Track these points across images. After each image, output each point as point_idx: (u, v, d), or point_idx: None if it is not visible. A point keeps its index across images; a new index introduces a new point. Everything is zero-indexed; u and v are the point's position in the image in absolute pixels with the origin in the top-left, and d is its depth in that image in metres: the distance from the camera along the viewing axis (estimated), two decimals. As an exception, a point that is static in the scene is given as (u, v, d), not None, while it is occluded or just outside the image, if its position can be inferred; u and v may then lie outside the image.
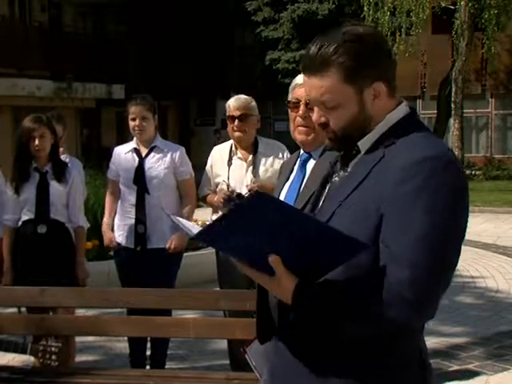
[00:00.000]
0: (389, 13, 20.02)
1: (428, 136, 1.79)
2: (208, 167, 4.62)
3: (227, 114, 4.45)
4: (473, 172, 22.04)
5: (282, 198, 2.93)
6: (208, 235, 1.70)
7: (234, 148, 4.48)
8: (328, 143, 1.88)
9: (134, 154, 4.81)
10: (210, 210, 4.61)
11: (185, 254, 4.95)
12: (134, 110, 4.71)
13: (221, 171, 4.47)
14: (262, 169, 4.39)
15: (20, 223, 4.52)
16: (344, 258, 1.68)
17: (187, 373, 4.45)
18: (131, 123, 4.74)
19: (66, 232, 4.54)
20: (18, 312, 4.52)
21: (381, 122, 1.81)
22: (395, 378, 1.76)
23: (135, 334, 4.14)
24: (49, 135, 4.46)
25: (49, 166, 4.50)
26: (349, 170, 1.85)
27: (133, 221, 4.75)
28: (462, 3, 19.51)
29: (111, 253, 5.08)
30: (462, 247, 1.76)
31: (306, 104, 2.91)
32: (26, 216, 4.49)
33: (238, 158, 4.45)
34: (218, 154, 4.57)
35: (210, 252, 5.95)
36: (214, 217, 4.44)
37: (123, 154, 4.86)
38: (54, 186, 4.48)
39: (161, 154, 4.80)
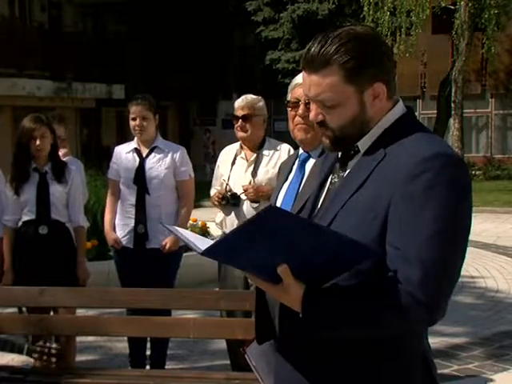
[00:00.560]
0: (389, 13, 20.00)
1: (429, 134, 1.79)
2: (216, 166, 4.64)
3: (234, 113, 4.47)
4: (473, 172, 22.03)
5: (280, 198, 2.93)
6: (217, 252, 1.69)
7: (239, 148, 4.48)
8: (324, 143, 1.86)
9: (135, 154, 4.82)
10: (209, 210, 4.62)
11: (185, 254, 4.95)
12: (134, 109, 4.72)
13: (225, 170, 4.48)
14: (262, 169, 4.36)
15: (20, 223, 4.52)
16: (353, 263, 1.67)
17: (187, 373, 4.46)
18: (132, 123, 4.75)
19: (67, 232, 4.55)
20: (19, 312, 4.53)
21: (379, 122, 1.80)
22: (400, 381, 1.75)
23: (135, 334, 4.14)
24: (49, 135, 4.47)
25: (48, 166, 4.50)
26: (348, 170, 1.84)
27: (133, 221, 4.76)
28: (462, 3, 19.50)
29: (111, 253, 5.08)
30: (463, 247, 1.77)
31: (306, 104, 2.91)
32: (26, 216, 4.49)
33: (241, 157, 4.45)
34: (226, 154, 4.58)
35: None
36: (219, 215, 4.44)
37: (124, 153, 4.86)
38: (54, 187, 4.49)
39: (161, 155, 4.80)
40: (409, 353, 1.75)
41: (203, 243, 1.82)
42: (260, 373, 2.05)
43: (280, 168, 3.13)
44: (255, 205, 4.25)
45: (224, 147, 4.70)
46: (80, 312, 4.84)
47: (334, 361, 1.75)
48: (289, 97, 3.00)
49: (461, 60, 19.84)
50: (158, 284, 4.38)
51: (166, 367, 4.83)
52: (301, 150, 3.00)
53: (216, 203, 4.38)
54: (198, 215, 8.23)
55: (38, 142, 4.39)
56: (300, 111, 2.94)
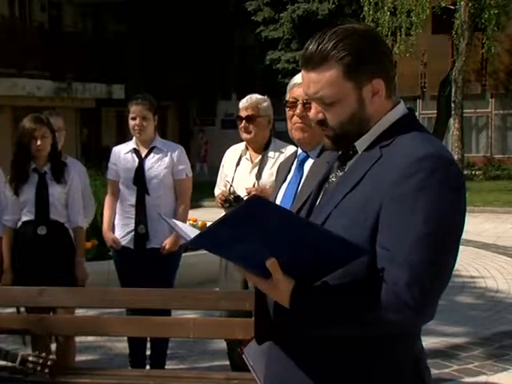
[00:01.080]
0: (389, 13, 20.00)
1: (426, 136, 1.78)
2: (221, 167, 4.56)
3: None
4: (473, 172, 22.04)
5: (279, 198, 2.93)
6: (204, 241, 1.68)
7: (245, 148, 4.39)
8: (325, 142, 1.86)
9: (134, 155, 4.82)
10: (209, 210, 4.61)
11: (185, 254, 4.95)
12: (134, 109, 4.72)
13: (229, 171, 4.40)
14: (267, 172, 4.25)
15: (19, 224, 4.52)
16: (343, 262, 1.66)
17: (187, 373, 4.46)
18: (131, 122, 4.75)
19: (66, 233, 4.54)
20: (17, 312, 4.52)
21: (378, 122, 1.80)
22: (391, 382, 1.75)
23: (135, 334, 4.14)
24: (49, 135, 4.46)
25: (47, 166, 4.50)
26: (346, 169, 1.84)
27: (133, 221, 4.75)
28: (462, 3, 19.50)
29: (111, 253, 5.08)
30: (462, 247, 1.76)
31: (304, 103, 2.91)
32: (25, 217, 4.49)
33: (246, 158, 4.35)
34: (231, 154, 4.50)
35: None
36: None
37: (122, 153, 4.86)
38: (54, 187, 4.48)
39: (160, 155, 4.80)
40: (401, 354, 1.75)
41: (194, 233, 1.84)
42: (258, 373, 2.05)
43: (279, 168, 3.13)
44: None
45: (222, 147, 4.65)
46: (80, 312, 4.84)
47: (324, 359, 1.75)
48: (287, 97, 3.00)
49: (461, 60, 19.83)
50: (157, 284, 4.38)
51: (166, 367, 4.83)
52: (299, 150, 3.00)
53: (219, 205, 4.31)
54: (198, 215, 8.23)
55: (38, 142, 4.39)
56: (298, 111, 2.94)
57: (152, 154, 4.80)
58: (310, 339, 1.75)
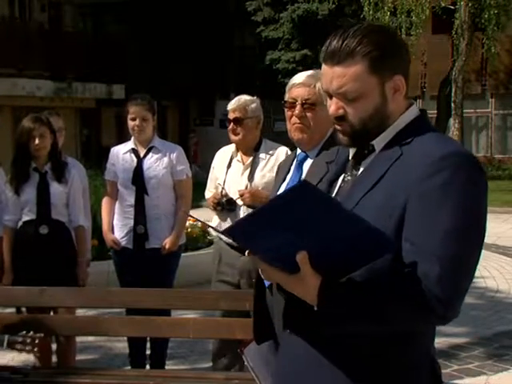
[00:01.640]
0: (389, 13, 20.00)
1: (443, 135, 1.82)
2: (211, 168, 4.51)
3: None
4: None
5: (278, 198, 2.93)
6: (238, 230, 1.66)
7: (235, 150, 4.34)
8: (341, 138, 1.85)
9: (132, 155, 4.82)
10: (209, 210, 4.59)
11: (185, 254, 4.95)
12: (134, 109, 4.72)
13: (220, 173, 4.34)
14: (259, 173, 4.20)
15: (20, 224, 4.52)
16: (374, 256, 1.65)
17: (187, 373, 4.46)
18: (131, 123, 4.75)
19: (67, 232, 4.55)
20: (18, 312, 4.52)
21: (395, 122, 1.81)
22: (409, 379, 1.74)
23: (135, 334, 4.14)
24: (48, 135, 4.47)
25: (48, 166, 4.50)
26: (361, 169, 1.84)
27: (132, 221, 4.75)
28: (462, 3, 19.49)
29: (111, 253, 5.09)
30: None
31: (303, 104, 2.92)
32: (27, 217, 4.49)
33: (237, 160, 4.30)
34: (221, 156, 4.45)
35: (209, 252, 5.95)
36: (216, 218, 4.35)
37: (121, 154, 4.86)
38: (54, 187, 4.49)
39: (159, 155, 4.80)
40: (419, 352, 1.75)
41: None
42: (257, 374, 2.05)
43: (278, 168, 3.13)
44: (251, 210, 4.12)
45: (221, 147, 4.60)
46: (80, 312, 4.84)
47: (342, 357, 1.73)
48: (286, 97, 3.00)
49: (461, 60, 19.83)
50: (157, 284, 4.38)
51: (166, 367, 4.84)
52: (298, 151, 3.01)
53: (211, 208, 4.27)
54: (197, 215, 8.20)
55: (37, 141, 4.39)
56: (297, 111, 2.94)
57: (150, 154, 4.80)
58: (328, 337, 1.73)
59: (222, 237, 1.76)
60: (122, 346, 5.26)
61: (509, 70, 25.08)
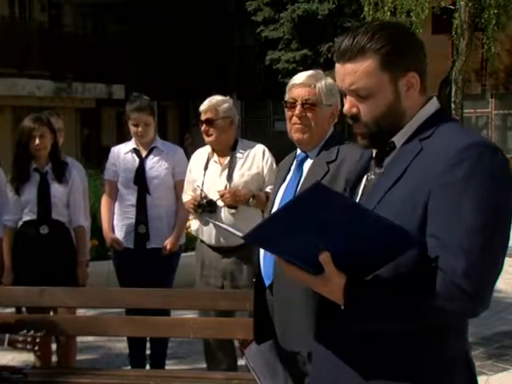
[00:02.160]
0: (389, 13, 19.98)
1: (463, 127, 1.80)
2: (188, 170, 4.44)
3: None
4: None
5: (279, 198, 2.94)
6: (259, 234, 1.65)
7: (211, 151, 4.27)
8: (360, 142, 1.85)
9: (134, 155, 4.82)
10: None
11: (185, 254, 4.95)
12: (135, 116, 4.71)
13: (197, 175, 4.29)
14: (237, 173, 4.15)
15: (21, 224, 4.52)
16: (397, 253, 1.64)
17: (187, 373, 4.46)
18: (133, 128, 4.75)
19: (68, 232, 4.55)
20: (18, 312, 4.52)
21: (415, 115, 1.80)
22: (443, 379, 1.73)
23: (135, 334, 4.14)
24: (49, 135, 4.47)
25: (49, 166, 4.50)
26: (384, 166, 1.83)
27: (132, 221, 4.76)
28: (462, 3, 19.48)
29: (110, 253, 5.08)
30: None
31: (303, 104, 2.92)
32: (27, 217, 4.49)
33: (214, 161, 4.24)
34: (197, 158, 4.39)
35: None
36: (195, 223, 4.31)
37: (122, 154, 4.86)
38: (55, 187, 4.49)
39: (161, 155, 4.81)
40: (453, 348, 1.75)
41: (240, 230, 1.83)
42: (258, 374, 2.05)
43: (278, 168, 3.13)
44: (233, 210, 4.06)
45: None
46: (80, 312, 4.84)
47: (376, 355, 1.72)
48: (286, 97, 3.00)
49: (461, 60, 19.83)
50: (156, 284, 4.38)
51: (166, 367, 4.84)
52: (299, 151, 3.01)
53: (191, 211, 4.22)
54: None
55: (37, 141, 4.39)
56: (297, 111, 2.94)
57: (152, 155, 4.81)
58: (360, 335, 1.72)
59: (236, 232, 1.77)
60: (122, 346, 5.26)
61: (509, 70, 25.08)
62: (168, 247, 4.71)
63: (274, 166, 4.13)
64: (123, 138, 5.18)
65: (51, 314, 4.44)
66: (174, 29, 24.58)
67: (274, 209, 2.91)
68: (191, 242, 5.44)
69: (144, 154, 4.81)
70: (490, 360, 5.24)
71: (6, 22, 20.55)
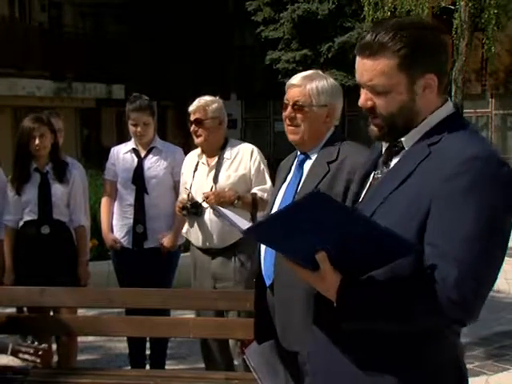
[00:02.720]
0: (389, 13, 19.99)
1: (474, 134, 1.78)
2: (181, 173, 4.44)
3: None
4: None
5: (279, 198, 2.94)
6: (258, 231, 1.73)
7: (200, 153, 4.26)
8: (372, 131, 1.86)
9: (133, 155, 4.82)
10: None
11: (184, 254, 4.95)
12: (135, 116, 4.71)
13: (188, 178, 4.29)
14: (223, 174, 4.12)
15: (21, 224, 4.52)
16: (393, 258, 1.67)
17: (187, 373, 4.46)
18: (133, 128, 4.75)
19: (69, 232, 4.55)
20: (18, 312, 4.53)
21: (426, 118, 1.80)
22: (432, 381, 1.75)
23: (135, 334, 4.14)
24: (49, 134, 4.47)
25: (49, 166, 4.51)
26: (391, 166, 1.84)
27: (131, 221, 4.76)
28: (462, 3, 19.48)
29: (110, 253, 5.08)
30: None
31: (293, 105, 2.92)
32: (28, 217, 4.49)
33: (202, 163, 4.23)
34: (188, 160, 4.39)
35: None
36: (185, 225, 4.29)
37: (122, 154, 4.87)
38: (56, 187, 4.49)
39: (160, 155, 4.81)
40: (443, 351, 1.75)
41: (243, 223, 1.86)
42: (259, 373, 2.05)
43: (279, 168, 3.13)
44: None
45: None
46: (80, 312, 4.84)
47: (366, 355, 1.75)
48: (284, 98, 3.01)
49: (461, 60, 19.81)
50: (156, 283, 4.38)
51: (166, 367, 4.84)
52: (299, 151, 3.01)
53: (179, 213, 4.20)
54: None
55: (37, 141, 4.39)
56: (286, 112, 2.95)
57: (151, 155, 4.81)
58: (352, 333, 1.75)
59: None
60: (122, 346, 5.26)
61: (509, 70, 25.07)
62: (165, 243, 4.71)
63: (262, 166, 4.13)
64: (123, 138, 5.17)
65: (51, 314, 4.44)
66: (173, 29, 24.58)
67: (275, 209, 2.91)
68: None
69: (143, 153, 4.81)
70: (490, 360, 5.25)
71: (6, 22, 20.54)
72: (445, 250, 1.63)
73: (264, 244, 1.75)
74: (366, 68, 1.79)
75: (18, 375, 3.55)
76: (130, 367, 4.82)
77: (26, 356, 3.22)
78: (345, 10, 23.62)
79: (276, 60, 24.61)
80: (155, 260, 4.71)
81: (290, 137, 2.95)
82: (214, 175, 4.14)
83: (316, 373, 1.88)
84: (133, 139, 4.86)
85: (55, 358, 4.66)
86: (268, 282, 2.85)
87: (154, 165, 4.78)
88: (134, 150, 4.83)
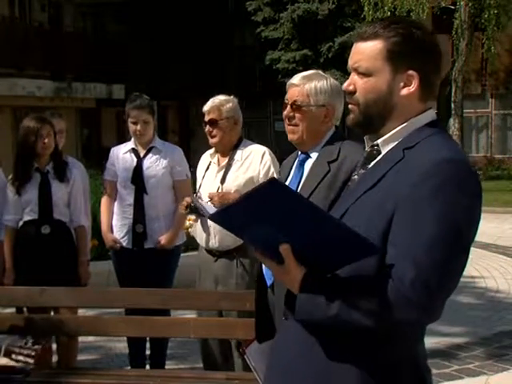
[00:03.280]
0: (389, 13, 19.98)
1: (447, 142, 1.81)
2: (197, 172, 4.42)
3: None
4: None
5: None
6: (223, 217, 1.75)
7: (214, 152, 4.23)
8: (348, 118, 1.89)
9: (132, 154, 4.82)
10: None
11: (185, 254, 4.95)
12: (135, 114, 4.71)
13: (199, 177, 4.28)
14: (231, 176, 4.08)
15: (21, 223, 4.52)
16: (355, 257, 1.70)
17: (187, 373, 4.45)
18: (132, 127, 4.74)
19: (69, 232, 4.55)
20: (18, 312, 4.52)
21: (405, 124, 1.83)
22: (385, 379, 1.76)
23: (135, 334, 4.14)
24: (52, 134, 4.48)
25: (50, 165, 4.51)
26: (368, 168, 1.87)
27: (131, 221, 4.76)
28: (462, 3, 19.49)
29: (110, 253, 5.08)
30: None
31: (292, 105, 2.93)
32: (28, 216, 4.49)
33: (213, 163, 4.21)
34: (203, 160, 4.36)
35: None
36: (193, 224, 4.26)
37: (121, 154, 4.87)
38: (56, 186, 4.49)
39: (159, 155, 4.80)
40: (397, 354, 1.76)
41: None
42: (259, 373, 2.06)
43: (280, 168, 3.14)
44: None
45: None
46: (80, 312, 4.84)
47: (324, 346, 1.77)
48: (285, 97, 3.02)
49: (461, 60, 19.83)
50: (156, 284, 4.38)
51: (166, 367, 4.84)
52: (300, 151, 3.01)
53: (183, 211, 4.15)
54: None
55: (46, 140, 4.40)
56: (285, 112, 2.96)
57: (150, 154, 4.81)
58: (312, 329, 1.78)
59: None
60: (122, 346, 5.26)
61: (509, 70, 25.07)
62: (162, 242, 4.70)
63: (272, 169, 4.05)
64: (123, 138, 5.18)
65: (52, 313, 4.44)
66: (173, 29, 24.58)
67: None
68: (191, 242, 5.44)
69: (142, 153, 4.81)
70: (490, 360, 5.24)
71: (6, 21, 20.54)
72: (404, 252, 1.66)
73: (229, 231, 1.76)
74: (355, 51, 1.86)
75: (18, 375, 3.55)
76: (129, 367, 4.82)
77: (20, 357, 3.21)
78: (345, 10, 23.64)
79: (276, 60, 24.62)
80: (155, 260, 4.71)
81: (290, 136, 2.96)
82: (222, 176, 4.10)
83: (272, 367, 1.91)
84: (132, 139, 4.85)
85: (55, 358, 4.66)
86: (269, 282, 2.86)
87: (153, 164, 4.77)
88: (134, 150, 4.83)
